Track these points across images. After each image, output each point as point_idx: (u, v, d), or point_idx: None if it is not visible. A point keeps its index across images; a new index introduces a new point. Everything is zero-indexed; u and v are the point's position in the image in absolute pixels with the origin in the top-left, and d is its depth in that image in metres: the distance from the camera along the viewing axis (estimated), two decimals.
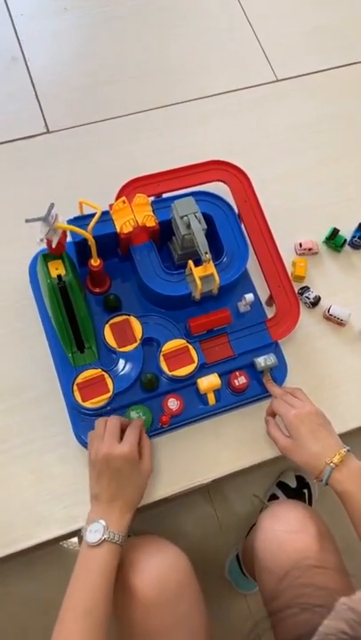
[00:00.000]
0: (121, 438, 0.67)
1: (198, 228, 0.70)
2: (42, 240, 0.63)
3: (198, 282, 0.72)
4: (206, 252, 0.70)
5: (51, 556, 1.06)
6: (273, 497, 1.08)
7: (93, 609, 0.59)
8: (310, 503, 1.07)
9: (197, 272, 0.72)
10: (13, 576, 1.07)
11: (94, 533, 0.63)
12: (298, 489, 1.07)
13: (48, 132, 0.94)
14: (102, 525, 0.63)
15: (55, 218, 0.62)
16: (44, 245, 0.65)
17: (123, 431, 0.69)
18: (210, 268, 0.72)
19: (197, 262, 0.73)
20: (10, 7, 1.01)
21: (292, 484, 1.08)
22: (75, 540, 1.08)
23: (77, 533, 1.02)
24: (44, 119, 0.94)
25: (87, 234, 0.67)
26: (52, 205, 0.60)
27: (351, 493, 0.64)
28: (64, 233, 0.66)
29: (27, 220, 0.59)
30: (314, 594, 0.50)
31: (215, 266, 0.73)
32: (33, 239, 0.78)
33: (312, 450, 0.67)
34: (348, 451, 0.67)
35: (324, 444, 0.67)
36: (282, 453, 0.72)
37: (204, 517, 1.11)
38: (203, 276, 0.72)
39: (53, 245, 0.64)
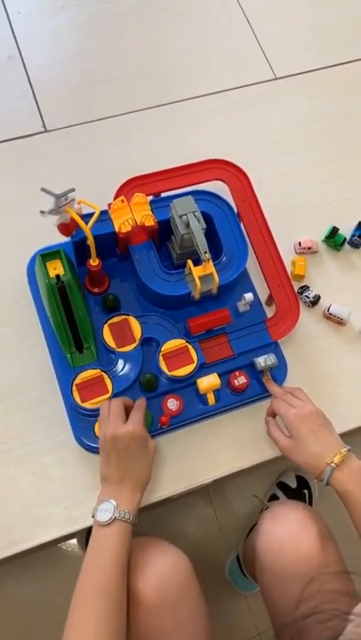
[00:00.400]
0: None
1: (197, 228, 0.70)
2: (43, 213, 0.62)
3: (197, 281, 0.71)
4: (205, 252, 0.70)
5: (49, 557, 1.06)
6: (273, 497, 1.08)
7: (108, 587, 0.59)
8: (311, 503, 1.07)
9: (197, 272, 0.72)
10: (12, 578, 1.06)
11: (105, 513, 0.63)
12: (298, 489, 1.07)
13: (46, 130, 0.93)
14: (113, 505, 0.63)
15: (68, 201, 0.62)
16: (46, 217, 0.64)
17: (128, 413, 0.69)
18: (209, 267, 0.72)
19: (196, 262, 0.73)
20: (6, 5, 1.01)
21: (293, 484, 1.08)
22: (73, 541, 1.07)
23: (77, 535, 1.02)
24: (42, 118, 0.94)
25: (87, 228, 0.67)
26: (72, 189, 0.61)
27: (352, 493, 0.64)
28: (72, 220, 0.66)
29: (42, 189, 0.60)
30: (341, 600, 0.49)
31: (214, 265, 0.73)
32: (32, 239, 0.78)
33: (313, 450, 0.67)
34: (348, 450, 0.67)
35: (325, 443, 0.67)
36: (282, 454, 0.71)
37: (205, 518, 1.11)
38: (202, 275, 0.72)
39: (53, 224, 0.65)
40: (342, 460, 0.65)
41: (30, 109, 0.94)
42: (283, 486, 1.08)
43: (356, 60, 1.06)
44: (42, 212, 0.62)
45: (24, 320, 0.80)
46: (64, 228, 0.68)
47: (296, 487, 1.07)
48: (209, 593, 0.70)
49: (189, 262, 0.73)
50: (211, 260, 0.71)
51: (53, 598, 1.03)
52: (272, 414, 0.75)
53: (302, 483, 1.08)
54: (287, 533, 0.68)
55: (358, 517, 0.63)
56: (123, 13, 1.03)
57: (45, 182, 0.87)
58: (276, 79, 1.02)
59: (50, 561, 1.06)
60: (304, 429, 0.68)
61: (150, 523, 1.06)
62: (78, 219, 0.65)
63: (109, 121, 0.95)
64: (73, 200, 0.64)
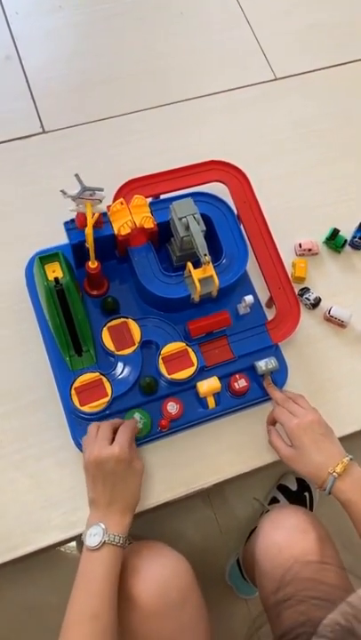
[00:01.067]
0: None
1: (197, 230, 0.70)
2: (64, 193, 0.63)
3: (197, 284, 0.71)
4: (205, 254, 0.69)
5: (48, 561, 1.06)
6: (274, 500, 1.07)
7: (99, 613, 0.59)
8: (311, 506, 1.07)
9: (196, 274, 0.71)
10: (10, 581, 1.06)
11: (94, 537, 0.62)
12: (299, 492, 1.07)
13: (44, 132, 0.92)
14: (102, 528, 0.62)
15: (93, 198, 0.63)
16: (64, 197, 0.64)
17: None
18: (209, 269, 0.71)
19: (196, 264, 0.72)
20: (4, 5, 1.00)
21: (293, 487, 1.07)
22: (72, 544, 1.07)
23: (77, 538, 1.02)
24: (40, 119, 0.93)
25: (89, 229, 0.66)
26: (101, 189, 0.63)
27: (355, 502, 0.64)
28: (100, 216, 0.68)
29: (75, 175, 0.61)
30: (315, 587, 0.50)
31: (214, 268, 0.72)
32: (30, 241, 0.78)
33: (315, 460, 0.66)
34: (351, 459, 0.66)
35: (327, 454, 0.66)
36: (284, 463, 0.71)
37: (205, 521, 1.10)
38: (202, 278, 0.71)
39: (69, 209, 0.66)
40: (344, 470, 0.65)
41: (28, 110, 0.93)
42: (283, 489, 1.07)
43: (356, 61, 1.05)
44: (63, 192, 0.62)
45: (22, 323, 0.79)
46: (81, 220, 0.68)
47: (297, 490, 1.07)
48: (209, 597, 0.70)
49: (189, 265, 0.72)
50: (211, 263, 0.71)
51: (52, 601, 1.03)
52: (273, 422, 0.74)
53: (303, 486, 1.07)
54: (286, 539, 0.68)
55: None
56: (121, 13, 1.03)
57: (43, 184, 0.88)
58: (276, 79, 1.02)
59: (48, 564, 1.05)
60: (306, 439, 0.67)
61: (150, 526, 1.05)
62: (89, 217, 0.65)
63: (108, 122, 0.94)
64: (98, 200, 0.64)
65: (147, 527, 1.05)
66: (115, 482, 0.65)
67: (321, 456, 0.66)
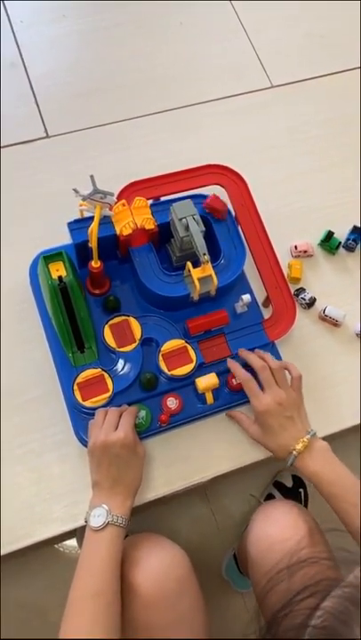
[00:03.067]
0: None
1: (196, 230, 0.72)
2: (76, 192, 0.65)
3: (197, 283, 0.73)
4: (204, 254, 0.71)
5: (48, 560, 1.07)
6: (269, 496, 1.09)
7: (103, 591, 0.60)
8: (306, 502, 1.08)
9: (196, 273, 0.73)
10: (9, 579, 1.06)
11: (98, 518, 0.64)
12: (294, 488, 1.08)
13: (47, 136, 0.95)
14: (105, 510, 0.64)
15: (103, 201, 0.66)
16: (76, 196, 0.66)
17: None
18: (208, 269, 0.74)
19: (195, 264, 0.74)
20: (9, 14, 1.03)
21: (289, 483, 1.09)
22: (68, 542, 1.08)
23: (76, 534, 1.03)
24: (44, 124, 0.95)
25: (94, 230, 0.68)
26: (111, 193, 0.66)
27: (319, 472, 0.68)
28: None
29: (90, 176, 0.64)
30: (308, 573, 0.52)
31: (213, 267, 0.74)
32: (33, 243, 0.80)
33: (279, 442, 0.71)
34: (313, 435, 0.70)
35: (291, 434, 0.71)
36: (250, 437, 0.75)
37: (201, 518, 1.12)
38: (201, 277, 0.73)
39: (78, 207, 0.68)
40: (305, 447, 0.69)
41: (32, 115, 0.96)
42: (279, 485, 1.09)
43: (350, 70, 1.08)
44: (75, 191, 0.65)
45: (26, 321, 0.81)
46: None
47: (292, 486, 1.09)
48: (205, 591, 0.71)
49: (189, 264, 0.74)
50: (210, 262, 0.73)
51: (51, 599, 1.03)
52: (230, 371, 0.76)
53: (298, 482, 1.09)
54: (277, 531, 0.70)
55: (328, 494, 0.67)
56: (123, 23, 1.06)
57: (47, 186, 0.90)
58: (272, 87, 1.05)
59: (46, 564, 1.06)
60: (272, 422, 0.71)
61: (147, 522, 1.07)
62: (96, 219, 0.68)
63: (109, 127, 0.97)
64: (108, 204, 0.67)
65: (144, 524, 1.06)
66: (119, 465, 0.67)
67: (284, 438, 0.71)
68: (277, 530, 0.70)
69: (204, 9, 1.09)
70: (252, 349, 0.78)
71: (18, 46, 1.01)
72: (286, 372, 0.75)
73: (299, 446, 0.69)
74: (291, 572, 0.52)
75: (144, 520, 1.06)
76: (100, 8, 1.06)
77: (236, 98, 1.03)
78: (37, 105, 0.97)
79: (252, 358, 0.75)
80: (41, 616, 1.04)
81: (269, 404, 0.71)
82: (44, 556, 1.08)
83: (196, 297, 0.75)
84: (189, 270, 0.74)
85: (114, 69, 1.02)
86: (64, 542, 1.09)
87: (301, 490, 1.08)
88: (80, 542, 1.05)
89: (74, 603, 0.61)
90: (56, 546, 1.09)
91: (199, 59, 1.05)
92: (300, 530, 0.68)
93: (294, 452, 0.69)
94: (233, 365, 0.76)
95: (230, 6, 1.10)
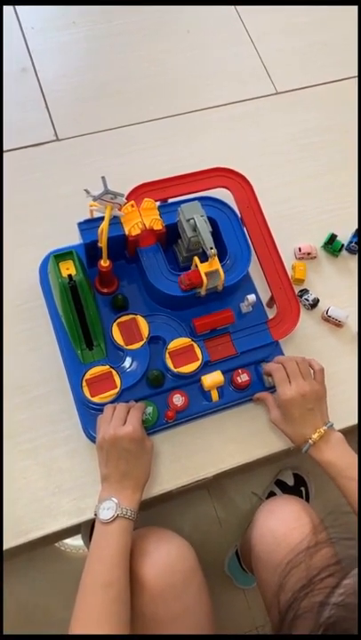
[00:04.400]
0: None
1: (204, 226, 0.73)
2: (87, 192, 0.67)
3: (204, 277, 0.74)
4: (212, 247, 0.72)
5: (46, 560, 1.08)
6: (271, 494, 1.10)
7: (112, 581, 0.62)
8: (308, 500, 1.09)
9: (203, 268, 0.75)
10: (17, 578, 1.07)
11: (107, 511, 0.65)
12: (295, 487, 1.10)
13: (57, 139, 0.97)
14: (115, 503, 0.66)
15: (113, 202, 0.67)
16: (87, 196, 0.68)
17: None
18: (215, 263, 0.74)
19: (202, 261, 0.75)
20: (21, 20, 1.05)
21: (290, 482, 1.10)
22: (72, 542, 1.09)
23: (81, 530, 1.04)
24: (54, 127, 0.98)
25: (105, 230, 0.70)
26: (121, 194, 0.68)
27: (331, 461, 0.70)
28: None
29: (102, 177, 0.66)
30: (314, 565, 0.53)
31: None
32: (43, 243, 0.82)
33: (298, 431, 0.74)
34: (330, 426, 0.73)
35: (311, 425, 0.73)
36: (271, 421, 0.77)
37: (204, 515, 1.13)
38: (208, 271, 0.75)
39: (88, 206, 0.70)
40: (321, 437, 0.72)
41: (43, 119, 0.98)
42: (280, 484, 1.10)
43: (353, 77, 1.11)
44: (87, 191, 0.67)
45: (36, 319, 0.82)
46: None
47: (293, 485, 1.10)
48: (208, 587, 0.73)
49: (196, 259, 0.75)
50: (216, 256, 0.74)
51: (56, 598, 1.04)
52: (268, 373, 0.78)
53: (299, 480, 1.11)
54: (281, 526, 0.71)
55: (340, 482, 0.69)
56: (131, 30, 1.08)
57: (57, 188, 0.92)
58: (277, 94, 1.07)
59: (46, 563, 1.07)
60: (295, 412, 0.73)
61: (151, 519, 1.08)
62: (107, 219, 0.70)
63: (118, 131, 0.99)
64: (118, 205, 0.69)
65: (148, 521, 1.07)
66: (128, 459, 0.68)
67: (303, 427, 0.73)
68: (281, 523, 0.71)
69: (211, 17, 1.12)
70: (256, 348, 0.80)
71: (29, 52, 1.03)
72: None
73: (315, 436, 0.72)
74: (310, 552, 0.53)
75: (148, 517, 1.07)
76: (108, 16, 1.08)
77: (241, 104, 1.05)
78: (48, 109, 0.99)
79: (279, 356, 0.79)
80: (44, 614, 1.05)
81: (293, 395, 0.73)
82: (47, 555, 1.09)
83: (203, 292, 0.76)
84: (197, 265, 0.75)
85: (122, 75, 1.04)
86: (66, 542, 1.10)
87: (303, 488, 1.10)
88: (85, 540, 1.06)
89: (84, 593, 0.62)
90: (58, 545, 1.10)
91: (206, 65, 1.07)
92: (304, 524, 0.69)
93: (310, 441, 0.72)
94: (266, 365, 0.79)
95: (236, 15, 1.12)
